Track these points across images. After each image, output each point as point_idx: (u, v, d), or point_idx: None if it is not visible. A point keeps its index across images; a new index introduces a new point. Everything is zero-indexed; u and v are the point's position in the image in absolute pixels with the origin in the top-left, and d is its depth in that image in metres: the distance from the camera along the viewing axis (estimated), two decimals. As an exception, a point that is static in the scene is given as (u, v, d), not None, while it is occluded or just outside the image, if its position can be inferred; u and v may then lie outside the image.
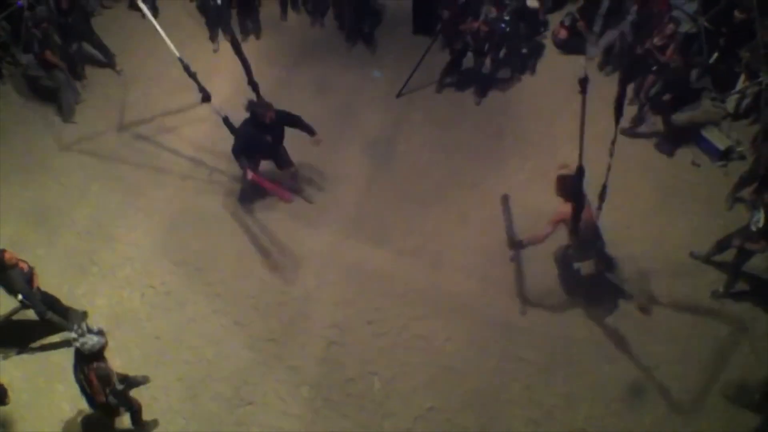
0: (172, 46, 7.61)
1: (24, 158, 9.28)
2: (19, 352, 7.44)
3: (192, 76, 7.76)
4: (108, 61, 10.40)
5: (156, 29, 7.51)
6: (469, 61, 10.10)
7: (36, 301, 7.04)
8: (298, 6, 11.47)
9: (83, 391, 6.19)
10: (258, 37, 11.01)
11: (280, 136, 8.09)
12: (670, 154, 9.50)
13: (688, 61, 9.24)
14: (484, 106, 10.03)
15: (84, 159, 9.32)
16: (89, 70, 10.38)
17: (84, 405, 6.46)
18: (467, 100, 10.16)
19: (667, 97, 9.41)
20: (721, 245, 7.92)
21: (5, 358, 7.40)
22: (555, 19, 10.82)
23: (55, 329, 7.41)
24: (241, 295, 7.94)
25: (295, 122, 8.04)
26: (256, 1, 11.04)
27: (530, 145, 9.48)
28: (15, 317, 7.57)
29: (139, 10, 10.62)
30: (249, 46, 10.55)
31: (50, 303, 7.29)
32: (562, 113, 9.74)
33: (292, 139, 8.34)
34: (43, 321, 7.23)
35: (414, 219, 8.61)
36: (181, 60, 7.69)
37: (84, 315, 7.60)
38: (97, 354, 5.88)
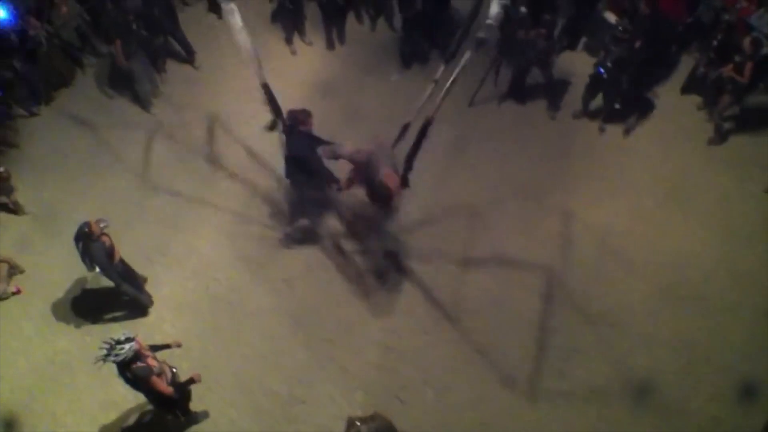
0: (261, 71, 7.48)
1: (104, 147, 9.59)
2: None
3: (275, 108, 7.68)
4: (188, 57, 10.65)
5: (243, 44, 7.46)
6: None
7: (114, 275, 7.34)
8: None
9: (141, 390, 6.31)
10: (342, 42, 11.07)
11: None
12: None
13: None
14: (555, 120, 9.90)
15: (158, 150, 9.55)
16: (168, 65, 10.67)
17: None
18: (537, 113, 10.00)
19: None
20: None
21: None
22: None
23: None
24: (301, 294, 8.02)
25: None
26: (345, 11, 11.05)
27: (599, 164, 9.31)
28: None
29: (218, 12, 10.96)
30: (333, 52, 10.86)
31: (128, 276, 7.61)
32: (635, 132, 9.58)
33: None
34: (119, 292, 7.60)
35: (477, 230, 8.53)
36: (265, 86, 7.52)
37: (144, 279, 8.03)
38: (135, 357, 5.97)
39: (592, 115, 9.76)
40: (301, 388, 7.32)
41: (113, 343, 5.90)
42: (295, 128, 7.59)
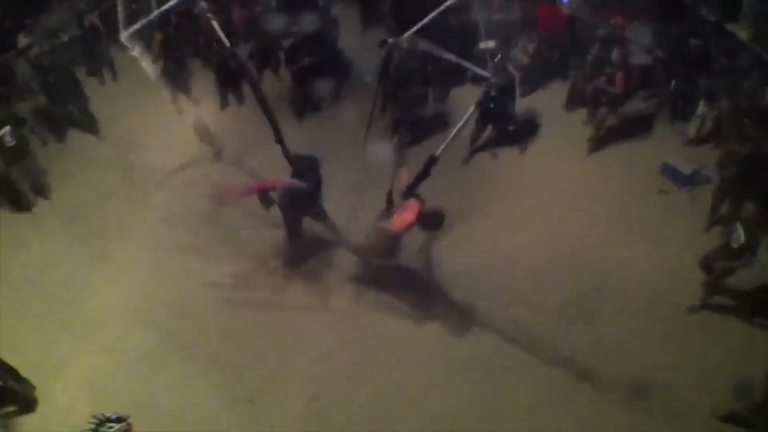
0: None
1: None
2: None
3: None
4: (90, 129, 10.34)
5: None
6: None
7: None
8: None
9: None
10: (241, 102, 11.10)
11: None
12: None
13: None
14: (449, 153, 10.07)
15: (50, 224, 9.24)
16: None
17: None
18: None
19: None
20: (708, 266, 7.98)
21: None
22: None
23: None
24: (216, 355, 7.80)
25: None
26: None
27: (499, 190, 9.55)
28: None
29: (97, 75, 10.97)
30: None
31: (8, 372, 7.12)
32: (530, 154, 9.87)
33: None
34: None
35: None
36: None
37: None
38: None
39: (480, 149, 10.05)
40: (229, 453, 7.09)
41: (102, 419, 5.47)
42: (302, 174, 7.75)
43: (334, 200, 9.03)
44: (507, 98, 9.40)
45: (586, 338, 7.92)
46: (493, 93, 9.13)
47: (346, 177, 9.65)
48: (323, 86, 10.76)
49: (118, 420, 5.52)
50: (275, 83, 11.15)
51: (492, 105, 9.28)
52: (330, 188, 9.12)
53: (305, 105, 10.71)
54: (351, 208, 9.24)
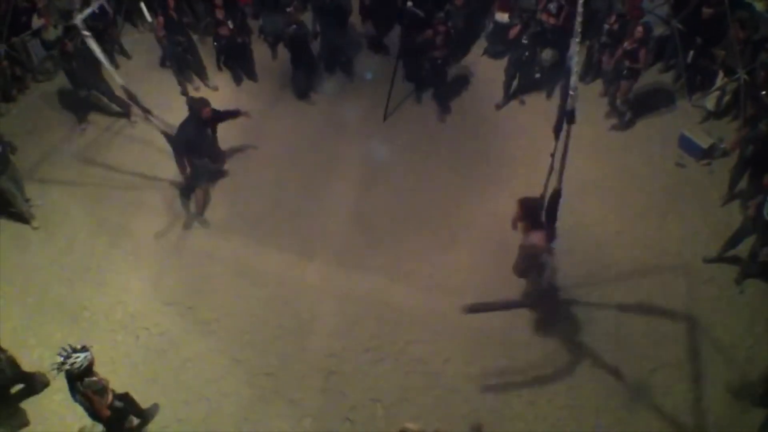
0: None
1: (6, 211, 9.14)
2: None
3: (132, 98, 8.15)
4: (122, 111, 10.28)
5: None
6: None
7: None
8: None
9: (86, 411, 6.23)
10: (255, 80, 11.04)
11: (215, 132, 8.81)
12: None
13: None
14: (466, 125, 10.11)
15: (69, 207, 9.21)
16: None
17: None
18: (448, 121, 10.26)
19: None
20: (734, 241, 8.01)
21: None
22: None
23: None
24: (235, 331, 7.87)
25: (230, 114, 8.82)
26: (248, 49, 10.91)
27: (512, 166, 9.53)
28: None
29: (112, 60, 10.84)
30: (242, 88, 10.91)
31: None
32: (544, 128, 9.80)
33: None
34: None
35: (404, 244, 8.64)
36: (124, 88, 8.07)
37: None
38: (87, 371, 5.98)
39: (512, 96, 10.35)
40: (248, 426, 7.16)
41: (69, 351, 5.89)
42: (193, 116, 8.37)
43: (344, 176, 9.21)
44: (538, 44, 9.78)
45: (599, 312, 7.95)
46: (524, 40, 9.62)
47: (359, 154, 9.72)
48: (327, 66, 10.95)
49: (83, 349, 5.95)
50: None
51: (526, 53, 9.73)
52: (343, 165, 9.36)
53: (307, 87, 10.67)
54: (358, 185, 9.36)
